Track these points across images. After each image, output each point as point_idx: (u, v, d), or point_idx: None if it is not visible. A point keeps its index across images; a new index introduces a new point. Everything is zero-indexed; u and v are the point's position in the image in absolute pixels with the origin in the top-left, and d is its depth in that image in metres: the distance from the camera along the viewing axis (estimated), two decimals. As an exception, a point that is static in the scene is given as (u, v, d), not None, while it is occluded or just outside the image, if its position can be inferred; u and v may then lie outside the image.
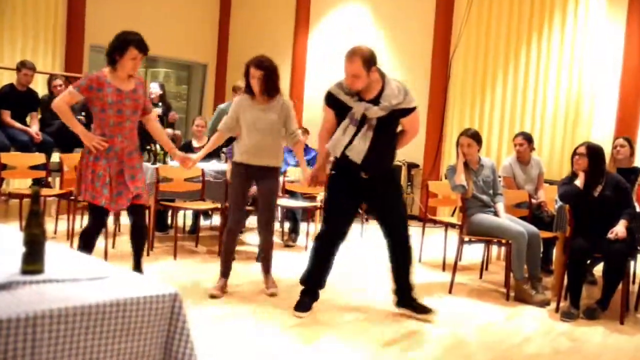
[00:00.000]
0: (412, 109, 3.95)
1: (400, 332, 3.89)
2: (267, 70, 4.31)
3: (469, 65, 8.22)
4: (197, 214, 6.23)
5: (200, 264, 5.23)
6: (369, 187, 4.03)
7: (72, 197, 5.57)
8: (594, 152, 4.57)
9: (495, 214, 5.03)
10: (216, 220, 6.62)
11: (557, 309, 4.50)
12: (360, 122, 3.86)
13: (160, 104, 7.77)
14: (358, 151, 3.87)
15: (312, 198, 6.68)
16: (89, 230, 4.10)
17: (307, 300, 4.17)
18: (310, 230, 6.35)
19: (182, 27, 10.18)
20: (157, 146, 5.86)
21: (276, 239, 6.27)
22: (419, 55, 8.62)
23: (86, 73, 4.35)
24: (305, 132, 7.00)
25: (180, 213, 6.22)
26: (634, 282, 5.04)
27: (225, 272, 4.51)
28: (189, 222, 6.69)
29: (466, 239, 4.93)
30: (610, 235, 4.31)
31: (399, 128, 4.08)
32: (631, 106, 7.17)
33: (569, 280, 4.47)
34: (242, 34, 10.55)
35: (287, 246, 6.24)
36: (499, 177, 5.49)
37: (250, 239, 6.34)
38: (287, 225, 6.58)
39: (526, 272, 4.80)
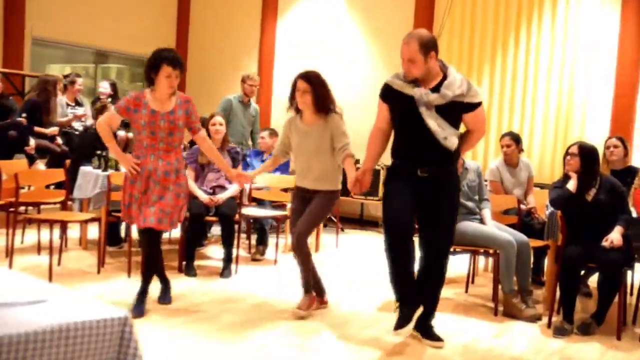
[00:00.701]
0: (477, 104, 3.87)
1: (381, 348, 3.90)
2: (314, 83, 4.35)
3: (452, 59, 8.29)
4: (153, 226, 6.16)
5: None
6: (425, 188, 3.91)
7: (12, 209, 5.48)
8: (586, 152, 4.64)
9: (482, 221, 5.07)
10: (176, 231, 6.56)
11: (549, 325, 4.55)
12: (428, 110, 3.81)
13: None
14: (448, 137, 3.82)
15: (281, 206, 6.66)
16: (146, 252, 4.42)
17: (406, 312, 4.05)
18: (279, 242, 6.33)
19: (136, 19, 10.10)
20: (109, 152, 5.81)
21: (242, 252, 6.27)
22: (397, 47, 8.66)
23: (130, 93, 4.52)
24: (273, 134, 6.99)
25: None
26: (631, 294, 5.11)
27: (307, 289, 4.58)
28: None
29: (450, 249, 4.95)
30: (605, 244, 4.37)
31: (462, 128, 4.03)
32: (626, 104, 7.31)
33: (562, 292, 4.52)
34: (203, 25, 10.51)
35: (254, 260, 6.22)
36: (485, 181, 5.55)
37: (214, 253, 6.30)
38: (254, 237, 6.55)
39: (515, 285, 4.84)
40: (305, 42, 9.48)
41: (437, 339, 4.07)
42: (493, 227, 4.97)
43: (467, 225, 4.92)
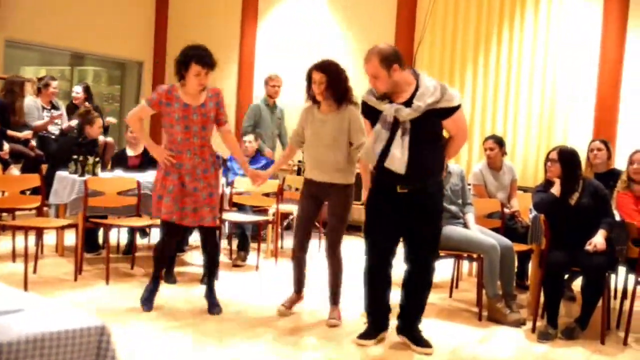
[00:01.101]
0: (454, 108, 3.82)
1: (367, 355, 3.90)
2: (330, 73, 4.31)
3: (435, 60, 8.36)
4: (132, 232, 6.13)
5: (136, 288, 5.13)
6: (406, 203, 3.91)
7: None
8: (566, 158, 4.68)
9: (465, 225, 5.09)
10: (155, 237, 6.52)
11: (533, 329, 4.58)
12: (394, 127, 3.79)
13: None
14: (398, 161, 3.77)
15: (263, 212, 6.65)
16: (161, 247, 4.52)
17: (372, 330, 4.17)
18: (261, 247, 6.31)
19: (113, 21, 10.05)
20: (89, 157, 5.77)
21: (224, 257, 6.24)
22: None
23: (158, 86, 4.57)
24: (259, 136, 6.99)
25: (114, 231, 6.11)
26: (615, 298, 5.16)
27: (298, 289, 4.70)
28: (123, 241, 6.58)
29: (435, 260, 4.95)
30: (589, 247, 4.41)
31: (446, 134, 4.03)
32: (609, 107, 7.40)
33: (546, 297, 4.56)
34: (181, 27, 10.47)
35: (235, 266, 6.20)
36: (469, 185, 5.57)
37: (194, 259, 6.26)
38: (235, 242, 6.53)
39: (500, 289, 4.87)
40: (286, 42, 9.49)
41: (426, 345, 4.07)
42: (477, 232, 5.00)
43: (451, 230, 4.94)
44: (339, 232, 4.48)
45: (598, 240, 4.45)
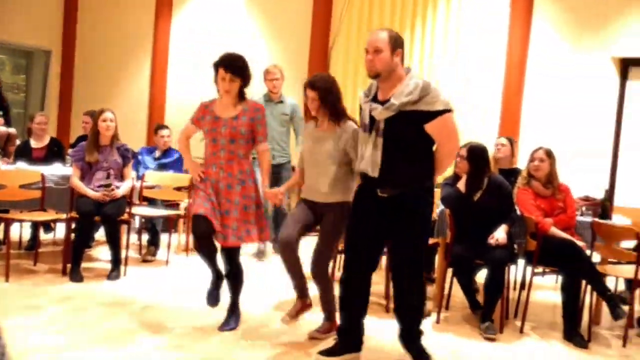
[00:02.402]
0: (437, 113, 3.47)
1: (276, 353, 3.94)
2: (321, 90, 4.09)
3: (350, 55, 8.47)
4: (36, 226, 5.93)
5: (39, 286, 4.98)
6: (387, 210, 3.63)
7: None
8: (475, 155, 4.84)
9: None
10: (60, 232, 6.34)
11: (437, 320, 4.74)
12: (371, 128, 3.59)
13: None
14: (370, 162, 3.58)
15: (173, 206, 6.57)
16: (196, 243, 4.16)
17: (338, 348, 3.89)
18: (172, 242, 6.24)
19: (19, 8, 9.65)
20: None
21: (133, 253, 6.14)
22: (296, 43, 8.75)
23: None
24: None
25: (16, 225, 5.89)
26: (514, 289, 5.40)
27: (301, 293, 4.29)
28: (26, 236, 6.35)
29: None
30: (491, 241, 4.60)
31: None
32: (514, 108, 7.74)
33: (461, 287, 4.78)
34: (92, 15, 10.17)
35: (145, 261, 6.10)
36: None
37: (102, 254, 6.12)
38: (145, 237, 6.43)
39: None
40: (202, 40, 9.37)
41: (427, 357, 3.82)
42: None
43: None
44: (327, 249, 4.17)
45: (500, 234, 4.64)
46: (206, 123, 4.21)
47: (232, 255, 4.27)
